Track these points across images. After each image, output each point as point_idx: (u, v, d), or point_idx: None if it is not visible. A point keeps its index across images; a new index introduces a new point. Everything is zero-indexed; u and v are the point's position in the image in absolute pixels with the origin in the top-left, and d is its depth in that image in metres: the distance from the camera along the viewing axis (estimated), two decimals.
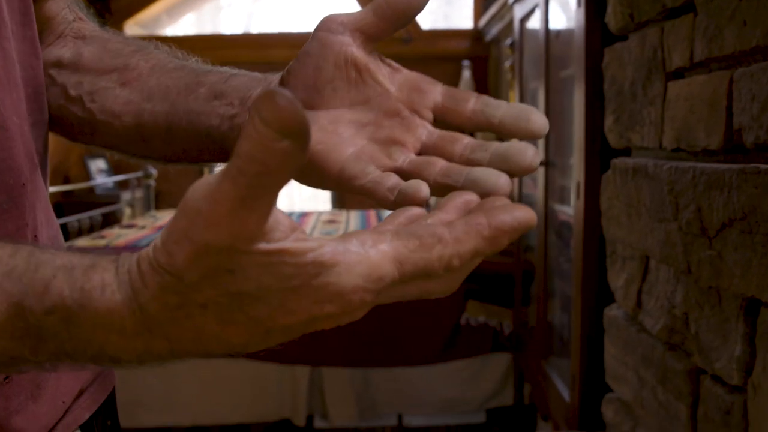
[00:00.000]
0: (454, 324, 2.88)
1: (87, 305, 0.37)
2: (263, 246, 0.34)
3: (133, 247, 2.97)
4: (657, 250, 1.23)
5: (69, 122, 0.65)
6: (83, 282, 0.37)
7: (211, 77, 0.61)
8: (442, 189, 0.47)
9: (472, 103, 0.50)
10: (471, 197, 0.43)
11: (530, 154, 0.46)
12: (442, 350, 2.90)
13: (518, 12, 2.76)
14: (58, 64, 0.65)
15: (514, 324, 2.87)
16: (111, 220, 3.91)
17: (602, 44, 1.61)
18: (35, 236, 0.54)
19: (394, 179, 0.48)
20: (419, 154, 0.51)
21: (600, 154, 1.68)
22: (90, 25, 0.69)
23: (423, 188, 0.45)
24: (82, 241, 3.14)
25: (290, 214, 3.92)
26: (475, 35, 5.13)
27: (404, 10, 0.50)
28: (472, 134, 0.50)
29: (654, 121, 1.26)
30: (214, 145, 0.60)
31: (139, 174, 4.38)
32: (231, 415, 2.98)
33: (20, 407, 0.53)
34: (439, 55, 5.29)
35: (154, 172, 4.31)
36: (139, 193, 4.48)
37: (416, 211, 0.43)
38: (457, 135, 0.51)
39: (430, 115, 0.52)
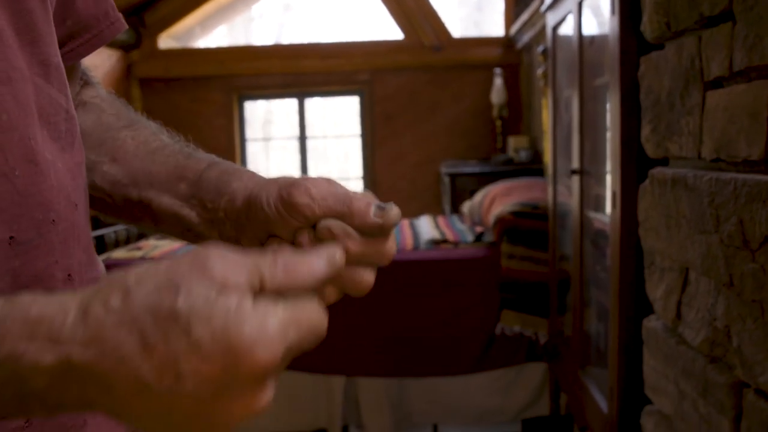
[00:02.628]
0: (489, 334, 2.87)
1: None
2: None
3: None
4: (698, 262, 1.21)
5: None
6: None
7: (190, 170, 0.63)
8: None
9: None
10: None
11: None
12: (477, 360, 2.89)
13: (551, 19, 2.75)
14: None
15: (549, 333, 2.85)
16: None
17: (638, 52, 1.59)
18: (69, 275, 0.54)
19: None
20: None
21: (636, 164, 1.66)
22: (91, 91, 0.72)
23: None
24: (119, 253, 3.17)
25: None
26: (507, 43, 5.12)
27: None
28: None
29: (692, 131, 1.25)
30: (196, 238, 0.63)
31: None
32: (268, 425, 2.99)
33: None
34: (470, 63, 5.28)
35: None
36: None
37: None
38: None
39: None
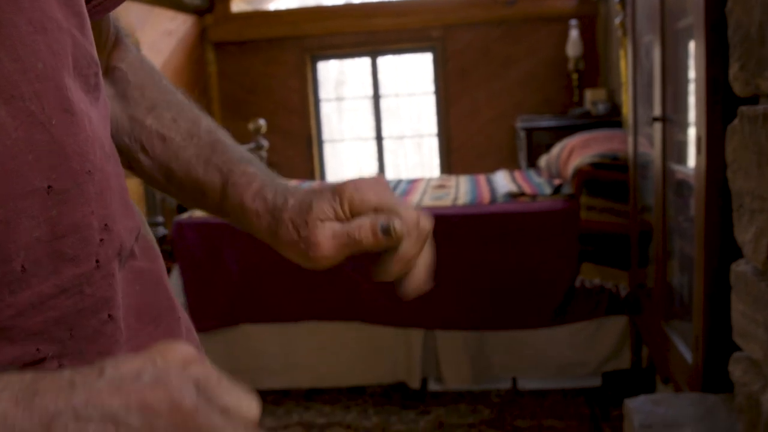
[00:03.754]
0: (568, 287, 2.85)
1: None
2: None
3: None
4: None
5: None
6: None
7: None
8: None
9: None
10: None
11: None
12: (556, 313, 2.87)
13: None
14: None
15: (630, 286, 2.81)
16: None
17: None
18: (105, 225, 0.55)
19: None
20: None
21: (723, 105, 1.61)
22: (120, 53, 0.72)
23: None
24: (201, 212, 3.24)
25: (398, 182, 3.95)
26: None
27: None
28: None
29: None
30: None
31: (251, 145, 4.48)
32: (347, 377, 3.05)
33: None
34: (544, 15, 5.18)
35: (265, 143, 4.39)
36: None
37: None
38: None
39: None
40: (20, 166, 0.47)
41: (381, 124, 6.02)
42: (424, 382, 3.06)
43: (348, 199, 0.62)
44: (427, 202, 3.20)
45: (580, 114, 4.60)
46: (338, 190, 0.63)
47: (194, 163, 0.69)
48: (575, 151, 3.14)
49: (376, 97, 5.98)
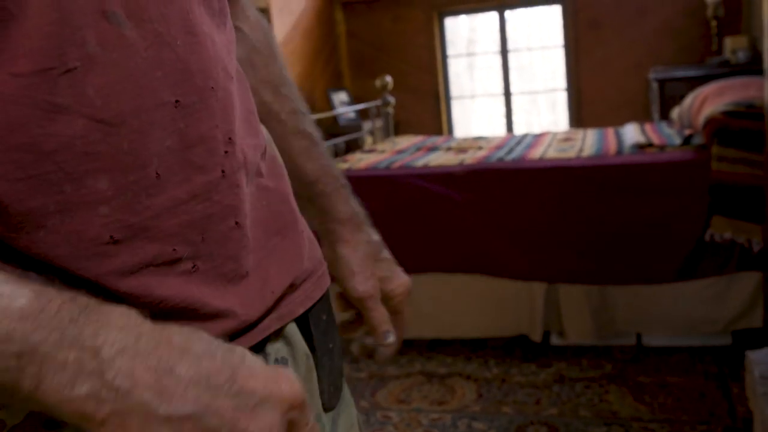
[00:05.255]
0: (697, 240, 2.75)
1: None
2: None
3: (373, 169, 3.12)
4: None
5: None
6: None
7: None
8: None
9: None
10: None
11: None
12: (683, 268, 2.78)
13: None
14: None
15: (764, 240, 2.69)
16: (353, 147, 4.12)
17: None
18: (229, 138, 0.59)
19: None
20: None
21: None
22: (239, 12, 0.79)
23: None
24: None
25: (523, 137, 3.91)
26: None
27: None
28: None
29: None
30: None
31: (378, 102, 4.54)
32: (469, 329, 3.08)
33: (219, 292, 0.58)
34: None
35: (392, 100, 4.44)
36: (378, 123, 4.66)
37: None
38: None
39: None
40: (151, 81, 0.53)
41: (509, 80, 5.94)
42: (546, 335, 3.05)
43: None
44: (551, 154, 3.16)
45: (718, 63, 4.39)
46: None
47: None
48: (708, 100, 3.01)
49: (504, 53, 5.90)
